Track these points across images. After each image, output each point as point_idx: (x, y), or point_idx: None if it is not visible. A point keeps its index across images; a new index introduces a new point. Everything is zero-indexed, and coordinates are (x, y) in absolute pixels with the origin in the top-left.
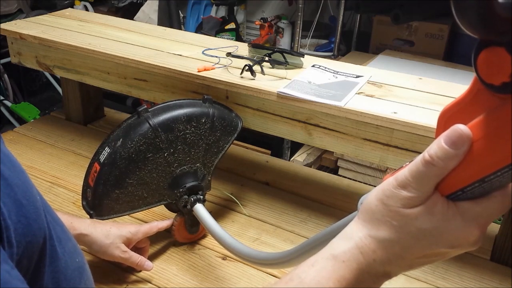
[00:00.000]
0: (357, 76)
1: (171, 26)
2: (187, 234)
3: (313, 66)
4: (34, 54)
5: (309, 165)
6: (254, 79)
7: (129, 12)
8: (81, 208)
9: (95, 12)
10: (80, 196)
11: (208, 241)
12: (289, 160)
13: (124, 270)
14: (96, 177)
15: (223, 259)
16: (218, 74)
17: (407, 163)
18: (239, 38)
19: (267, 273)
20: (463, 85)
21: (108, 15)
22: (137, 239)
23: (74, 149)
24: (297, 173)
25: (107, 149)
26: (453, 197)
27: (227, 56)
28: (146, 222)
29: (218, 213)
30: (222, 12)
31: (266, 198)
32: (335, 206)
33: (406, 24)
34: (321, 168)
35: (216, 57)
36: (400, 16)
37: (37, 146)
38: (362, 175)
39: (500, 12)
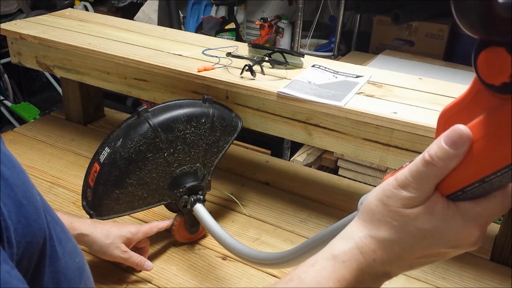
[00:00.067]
0: (357, 76)
1: (171, 26)
2: (187, 234)
3: (313, 66)
4: (34, 54)
5: (309, 165)
6: (254, 79)
7: (129, 12)
8: (81, 208)
9: (95, 12)
10: (80, 196)
11: (208, 241)
12: (289, 160)
13: (124, 270)
14: (96, 177)
15: (223, 259)
16: (218, 74)
17: (407, 163)
18: (239, 38)
19: (267, 273)
20: (463, 85)
21: (108, 15)
22: (137, 239)
23: (74, 149)
24: (297, 173)
25: (107, 149)
26: (453, 197)
27: (227, 56)
28: (146, 222)
29: (218, 213)
30: (222, 12)
31: (266, 198)
32: (335, 206)
33: (406, 24)
34: (321, 168)
35: (216, 57)
36: (400, 16)
37: (37, 146)
38: (362, 175)
39: (500, 13)
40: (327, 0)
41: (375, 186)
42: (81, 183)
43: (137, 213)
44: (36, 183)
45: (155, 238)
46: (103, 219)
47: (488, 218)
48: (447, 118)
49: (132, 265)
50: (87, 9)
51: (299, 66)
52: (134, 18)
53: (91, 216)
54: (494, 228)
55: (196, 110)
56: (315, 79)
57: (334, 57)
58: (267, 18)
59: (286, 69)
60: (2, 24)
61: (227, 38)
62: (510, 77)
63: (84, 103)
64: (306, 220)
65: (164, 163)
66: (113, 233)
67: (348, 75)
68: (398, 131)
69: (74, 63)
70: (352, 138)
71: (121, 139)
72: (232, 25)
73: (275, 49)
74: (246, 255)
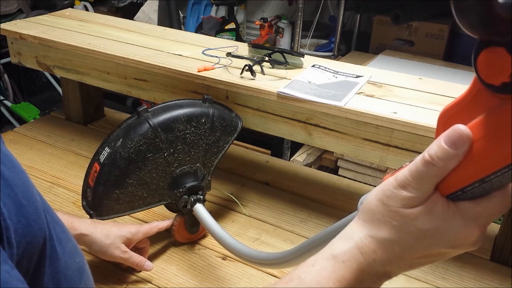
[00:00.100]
0: (357, 76)
1: (171, 26)
2: (187, 234)
3: (313, 66)
4: (34, 54)
5: (309, 165)
6: (254, 79)
7: (129, 12)
8: (81, 208)
9: (95, 12)
10: (80, 196)
11: (208, 241)
12: (289, 160)
13: (124, 270)
14: (96, 177)
15: (223, 259)
16: (218, 74)
17: (407, 163)
18: (239, 38)
19: (267, 273)
20: (463, 85)
21: (108, 15)
22: (137, 239)
23: (74, 149)
24: (297, 173)
25: (107, 149)
26: (453, 197)
27: (227, 56)
28: (146, 222)
29: (218, 213)
30: (222, 12)
31: (266, 198)
32: (335, 206)
33: (406, 24)
34: (321, 168)
35: (216, 57)
36: (400, 16)
37: (37, 146)
38: (362, 175)
39: (500, 13)
40: (327, 0)
41: (375, 186)
42: (81, 183)
43: (137, 213)
44: (36, 183)
45: (155, 238)
46: (103, 219)
47: (488, 218)
48: (447, 118)
49: (132, 265)
50: (87, 9)
51: (299, 66)
52: (134, 18)
53: (91, 216)
54: (494, 228)
55: (196, 110)
56: (315, 79)
57: (334, 57)
58: (267, 18)
59: (286, 69)
60: (2, 24)
61: (227, 38)
62: (510, 77)
63: (84, 103)
64: (306, 220)
65: (164, 163)
66: (113, 233)
67: (348, 75)
68: (398, 131)
69: (74, 63)
70: (352, 138)
71: (121, 139)
72: (232, 25)
73: (275, 49)
74: (246, 255)
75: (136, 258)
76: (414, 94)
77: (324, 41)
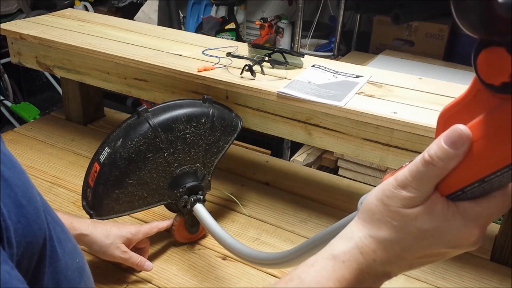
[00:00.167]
0: (357, 76)
1: (171, 26)
2: (187, 234)
3: (313, 66)
4: (34, 54)
5: (309, 165)
6: (254, 79)
7: (129, 12)
8: (81, 208)
9: (95, 12)
10: (80, 196)
11: (208, 241)
12: (289, 160)
13: (124, 270)
14: (96, 177)
15: (223, 259)
16: (218, 74)
17: (407, 163)
18: (239, 38)
19: (267, 273)
20: (463, 85)
21: (108, 15)
22: (137, 239)
23: (74, 149)
24: (297, 173)
25: (107, 149)
26: (453, 197)
27: (227, 56)
28: (146, 222)
29: (218, 213)
30: (222, 12)
31: (266, 198)
32: (335, 206)
33: (406, 24)
34: (321, 168)
35: (216, 57)
36: (400, 16)
37: (37, 146)
38: (362, 175)
39: (500, 13)
40: (327, 0)
41: (375, 186)
42: (81, 183)
43: (137, 213)
44: (36, 183)
45: (155, 238)
46: (103, 219)
47: (488, 218)
48: (447, 118)
49: (132, 266)
50: (87, 9)
51: (299, 66)
52: (134, 18)
53: (91, 216)
54: (494, 228)
55: (196, 110)
56: (315, 79)
57: (334, 57)
58: (267, 18)
59: (286, 69)
60: (2, 24)
61: (227, 38)
62: (510, 77)
63: (84, 103)
64: (306, 220)
65: (164, 163)
66: (113, 233)
67: (348, 75)
68: (398, 131)
69: (74, 63)
70: (352, 138)
71: (121, 139)
72: (232, 25)
73: (275, 49)
74: (246, 255)
75: (136, 258)
76: (414, 94)
77: (324, 41)
